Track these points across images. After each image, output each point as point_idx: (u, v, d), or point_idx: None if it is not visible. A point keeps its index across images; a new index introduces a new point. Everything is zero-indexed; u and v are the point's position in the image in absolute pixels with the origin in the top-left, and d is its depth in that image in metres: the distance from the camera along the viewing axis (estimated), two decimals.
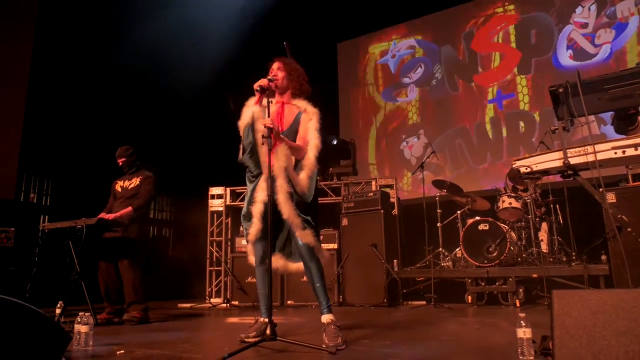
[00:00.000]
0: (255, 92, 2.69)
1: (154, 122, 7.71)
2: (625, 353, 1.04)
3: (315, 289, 2.70)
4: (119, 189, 4.33)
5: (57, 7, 6.64)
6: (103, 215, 4.14)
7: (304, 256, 2.69)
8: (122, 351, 2.48)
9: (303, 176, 2.64)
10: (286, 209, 2.56)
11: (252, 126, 2.66)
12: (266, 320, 2.68)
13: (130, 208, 4.08)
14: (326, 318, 2.62)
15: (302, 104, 2.82)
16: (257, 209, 2.70)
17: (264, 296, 2.75)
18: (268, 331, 2.34)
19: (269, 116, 2.65)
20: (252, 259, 2.85)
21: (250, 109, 2.68)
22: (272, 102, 2.79)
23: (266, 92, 2.68)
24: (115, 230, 4.01)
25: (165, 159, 7.63)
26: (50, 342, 2.21)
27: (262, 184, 2.69)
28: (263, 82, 2.68)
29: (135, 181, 4.28)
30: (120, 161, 4.36)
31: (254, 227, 2.72)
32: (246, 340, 2.65)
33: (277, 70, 2.84)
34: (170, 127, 8.00)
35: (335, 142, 6.58)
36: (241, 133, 2.73)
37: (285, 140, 2.62)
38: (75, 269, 3.78)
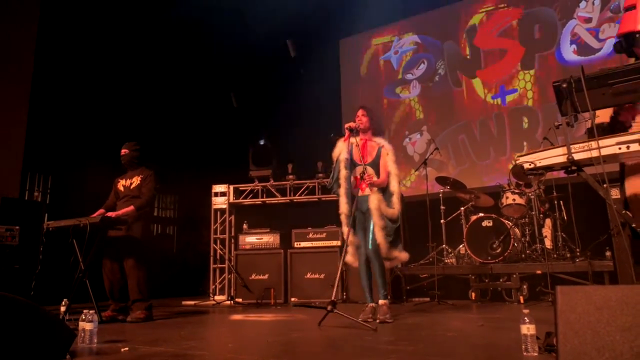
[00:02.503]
0: (345, 131, 3.64)
1: (158, 120, 7.72)
2: (630, 349, 1.03)
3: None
4: (122, 188, 4.33)
5: (60, 5, 6.65)
6: (101, 212, 4.15)
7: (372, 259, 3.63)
8: (127, 348, 2.49)
9: (394, 200, 3.64)
10: (379, 237, 3.56)
11: (339, 161, 3.71)
12: (372, 304, 3.60)
13: (132, 207, 4.09)
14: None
15: (381, 141, 3.77)
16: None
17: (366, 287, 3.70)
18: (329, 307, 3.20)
19: (352, 149, 3.69)
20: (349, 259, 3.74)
21: (340, 145, 3.72)
22: (358, 139, 3.68)
23: (353, 132, 3.61)
24: (119, 228, 4.01)
25: (169, 156, 7.65)
26: (55, 340, 2.22)
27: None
28: (351, 125, 3.63)
29: (137, 180, 4.28)
30: (123, 152, 4.34)
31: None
32: (387, 320, 3.43)
33: (361, 116, 3.73)
34: (175, 125, 8.02)
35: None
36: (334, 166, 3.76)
37: (373, 183, 3.56)
38: (80, 267, 3.79)
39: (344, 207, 3.63)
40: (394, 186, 3.65)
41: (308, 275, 5.63)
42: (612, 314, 1.09)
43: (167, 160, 7.39)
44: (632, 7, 2.19)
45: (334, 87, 8.62)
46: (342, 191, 3.65)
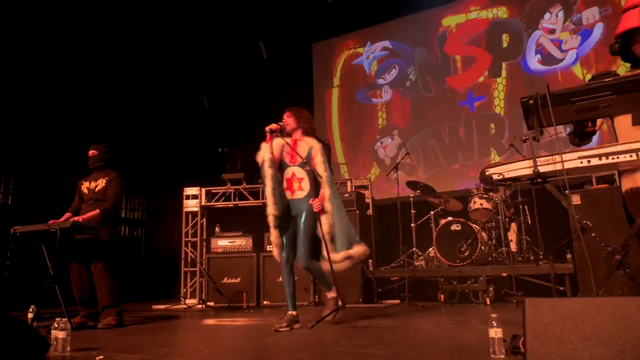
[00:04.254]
0: (266, 134, 3.59)
1: (127, 120, 7.60)
2: (591, 356, 1.14)
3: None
4: (85, 191, 4.28)
5: (19, 1, 6.45)
6: (68, 215, 4.10)
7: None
8: (102, 357, 2.48)
9: (327, 207, 3.53)
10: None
11: (264, 161, 3.57)
12: (293, 313, 3.52)
13: (97, 211, 4.04)
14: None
15: (311, 141, 3.65)
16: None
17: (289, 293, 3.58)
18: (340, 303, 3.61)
19: (282, 150, 3.64)
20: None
21: (263, 147, 3.61)
22: (288, 140, 3.64)
23: (274, 133, 3.58)
24: (90, 233, 3.96)
25: (138, 157, 7.54)
26: (29, 349, 2.20)
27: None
28: (272, 126, 3.58)
29: (102, 182, 4.23)
30: (91, 153, 4.30)
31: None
32: (280, 329, 3.34)
33: (286, 117, 3.69)
34: (145, 126, 7.90)
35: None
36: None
37: (321, 206, 3.52)
38: (49, 273, 3.71)
39: (271, 208, 3.49)
40: (327, 193, 3.54)
41: (280, 279, 5.65)
42: (575, 325, 1.19)
43: (136, 161, 7.29)
44: (635, 7, 2.28)
45: (306, 91, 8.68)
46: (269, 190, 3.52)
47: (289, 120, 3.66)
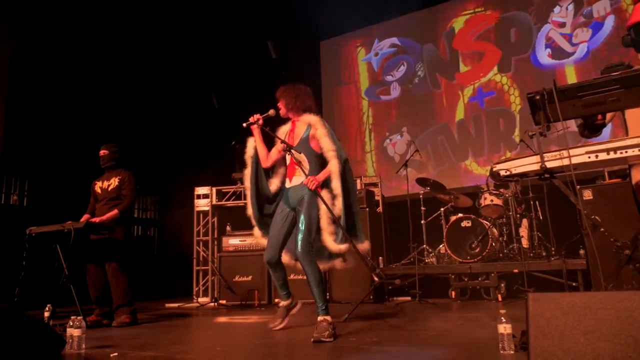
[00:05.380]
0: (251, 129, 3.35)
1: (138, 121, 7.69)
2: (592, 350, 1.15)
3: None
4: (99, 190, 4.35)
5: (36, 5, 6.57)
6: (87, 217, 4.17)
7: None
8: (116, 354, 2.53)
9: (336, 190, 3.05)
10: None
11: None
12: (285, 303, 3.35)
13: (116, 211, 4.11)
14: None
15: (309, 117, 3.26)
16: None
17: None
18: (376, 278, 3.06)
19: (286, 138, 3.28)
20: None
21: (248, 144, 3.40)
22: (287, 126, 3.38)
23: (253, 125, 3.31)
24: (103, 232, 4.03)
25: (149, 157, 7.62)
26: (45, 347, 2.26)
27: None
28: (253, 117, 3.30)
29: (114, 181, 4.30)
30: (102, 152, 4.38)
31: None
32: (275, 329, 3.22)
33: (278, 104, 3.34)
34: (156, 126, 7.98)
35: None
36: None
37: (315, 183, 3.04)
38: (64, 272, 3.79)
39: (249, 210, 3.30)
40: (333, 167, 3.06)
41: (292, 277, 5.67)
42: (577, 319, 1.20)
43: (148, 161, 7.37)
44: None
45: (315, 89, 8.70)
46: (247, 192, 3.33)
47: (280, 105, 3.32)
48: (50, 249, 3.89)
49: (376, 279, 3.07)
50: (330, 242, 2.99)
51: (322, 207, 3.01)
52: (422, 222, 5.73)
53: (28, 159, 6.60)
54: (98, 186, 4.37)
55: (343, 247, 3.00)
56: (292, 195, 3.18)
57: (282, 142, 3.18)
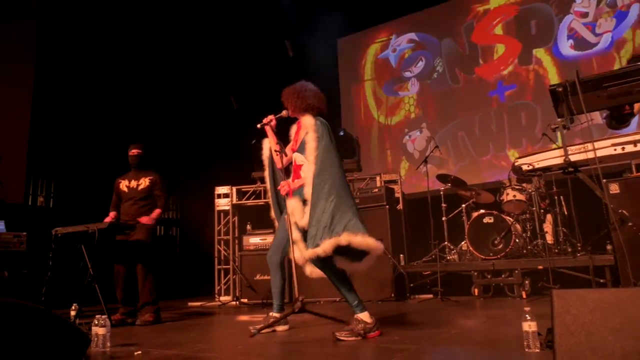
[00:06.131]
0: (265, 130, 3.38)
1: (159, 121, 7.79)
2: (621, 348, 1.11)
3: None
4: (125, 189, 4.39)
5: (59, 9, 6.71)
6: (114, 214, 4.25)
7: None
8: (140, 352, 2.57)
9: (307, 190, 2.92)
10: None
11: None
12: (274, 314, 3.25)
13: (159, 210, 4.27)
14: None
15: (305, 119, 3.12)
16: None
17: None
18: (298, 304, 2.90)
19: (275, 145, 3.32)
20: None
21: (264, 145, 3.43)
22: (294, 128, 3.34)
23: (266, 126, 3.36)
24: (127, 233, 4.10)
25: (170, 158, 7.71)
26: (71, 345, 2.30)
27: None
28: (265, 120, 3.35)
29: (145, 181, 4.35)
30: (134, 152, 4.43)
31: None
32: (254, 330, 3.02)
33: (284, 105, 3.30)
34: (176, 126, 8.08)
35: (342, 134, 6.62)
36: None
37: (287, 190, 3.09)
38: (89, 272, 3.86)
39: (272, 211, 3.35)
40: (306, 173, 2.94)
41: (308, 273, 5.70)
42: (604, 316, 1.16)
43: (168, 161, 7.46)
44: None
45: (333, 87, 8.68)
46: (269, 193, 3.36)
47: (285, 105, 3.29)
48: (75, 249, 3.97)
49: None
50: (301, 251, 2.88)
51: (291, 217, 2.95)
52: (444, 219, 5.67)
53: (53, 161, 6.75)
54: (124, 185, 4.42)
55: (310, 252, 2.78)
56: (299, 192, 3.12)
57: (278, 143, 3.25)
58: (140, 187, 4.34)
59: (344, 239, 2.71)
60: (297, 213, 2.95)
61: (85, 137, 6.89)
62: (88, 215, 4.26)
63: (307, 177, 2.92)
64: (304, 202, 2.94)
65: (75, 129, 6.84)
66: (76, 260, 3.99)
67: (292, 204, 2.98)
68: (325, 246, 2.71)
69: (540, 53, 6.99)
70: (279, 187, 3.14)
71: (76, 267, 4.04)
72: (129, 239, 4.14)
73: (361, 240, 2.73)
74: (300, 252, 2.93)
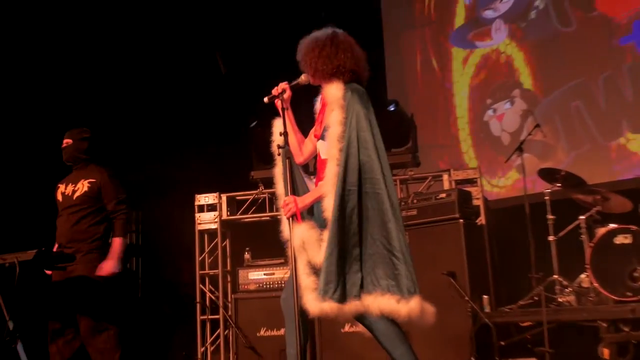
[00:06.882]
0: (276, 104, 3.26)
1: (107, 94, 7.82)
2: None
3: None
4: (60, 197, 4.49)
5: None
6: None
7: None
8: None
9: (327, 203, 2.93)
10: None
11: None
12: None
13: (119, 239, 4.32)
14: None
15: (330, 89, 3.10)
16: None
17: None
18: None
19: (285, 126, 3.14)
20: None
21: (275, 124, 3.28)
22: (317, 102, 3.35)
23: (276, 99, 3.23)
24: (63, 267, 4.11)
25: (127, 150, 7.74)
26: None
27: None
28: (276, 89, 3.23)
29: (83, 185, 4.41)
30: (65, 142, 4.51)
31: None
32: None
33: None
34: (133, 103, 8.11)
35: (393, 109, 6.58)
36: None
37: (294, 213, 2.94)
38: (7, 328, 3.88)
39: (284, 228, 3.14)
40: (328, 175, 2.96)
41: (346, 328, 5.66)
42: None
43: (122, 156, 7.48)
44: None
45: (373, 37, 8.63)
46: (280, 190, 3.23)
47: (304, 67, 3.26)
48: None
49: None
50: (310, 300, 2.84)
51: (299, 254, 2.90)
52: (551, 238, 5.60)
53: None
54: (60, 191, 4.52)
55: (326, 305, 2.78)
56: (316, 207, 3.09)
57: (284, 132, 3.10)
58: (77, 194, 4.39)
59: (361, 305, 2.80)
60: (311, 246, 2.90)
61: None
62: (16, 241, 4.31)
63: (327, 182, 2.92)
64: (322, 224, 2.92)
65: None
66: None
67: (302, 233, 2.91)
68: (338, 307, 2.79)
69: None
70: (281, 206, 3.05)
71: None
72: (66, 275, 4.15)
73: (393, 307, 2.75)
74: (311, 302, 2.84)
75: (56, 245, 4.25)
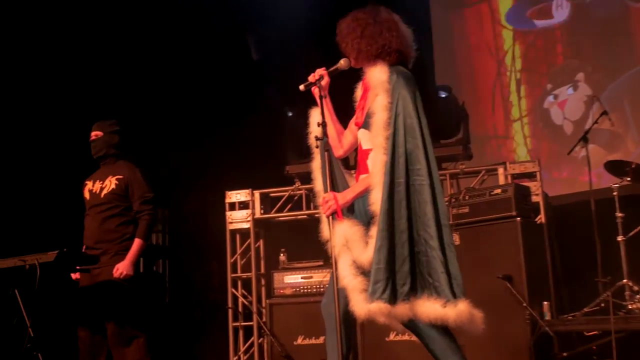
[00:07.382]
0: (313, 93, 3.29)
1: (133, 86, 7.92)
2: None
3: None
4: (87, 195, 4.56)
5: None
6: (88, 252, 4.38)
7: None
8: None
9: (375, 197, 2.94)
10: None
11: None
12: None
13: (139, 242, 4.31)
14: None
15: (373, 72, 3.09)
16: None
17: None
18: None
19: (323, 116, 3.16)
20: None
21: (313, 114, 3.28)
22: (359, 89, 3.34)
23: (313, 87, 3.26)
24: (88, 270, 4.18)
25: (153, 145, 7.82)
26: None
27: None
28: (311, 77, 3.24)
29: (111, 182, 4.47)
30: (93, 135, 4.58)
31: None
32: None
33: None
34: (158, 94, 8.19)
35: (444, 95, 6.55)
36: None
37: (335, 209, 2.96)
38: (28, 333, 3.97)
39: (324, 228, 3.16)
40: (375, 169, 2.98)
41: (391, 337, 5.67)
42: None
43: (149, 151, 7.57)
44: None
45: (418, 16, 8.59)
46: (318, 187, 3.25)
47: (344, 49, 3.26)
48: (7, 296, 4.09)
49: None
50: (358, 302, 2.84)
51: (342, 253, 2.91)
52: (620, 238, 5.53)
53: None
54: (87, 189, 4.59)
55: (375, 306, 2.78)
56: (357, 203, 3.12)
57: (322, 122, 3.11)
58: (104, 191, 4.45)
59: (410, 309, 2.78)
60: (356, 245, 2.91)
61: (26, 119, 7.10)
62: (42, 243, 4.38)
63: (375, 173, 2.93)
64: (368, 221, 2.93)
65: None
66: (9, 314, 4.11)
67: (344, 230, 2.93)
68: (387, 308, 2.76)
69: None
70: (320, 203, 3.07)
71: (8, 324, 4.16)
72: (94, 280, 4.23)
73: (440, 312, 2.73)
74: (359, 304, 2.84)
75: (84, 247, 4.31)
